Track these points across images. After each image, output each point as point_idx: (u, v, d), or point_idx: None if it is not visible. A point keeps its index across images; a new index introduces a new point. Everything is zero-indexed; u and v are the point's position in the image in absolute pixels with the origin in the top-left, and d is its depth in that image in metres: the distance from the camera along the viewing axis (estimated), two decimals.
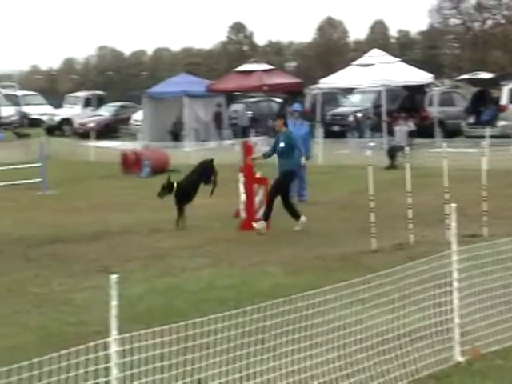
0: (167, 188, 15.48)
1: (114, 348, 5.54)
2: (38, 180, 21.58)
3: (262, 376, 6.14)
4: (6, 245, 13.80)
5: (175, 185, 15.46)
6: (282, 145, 14.69)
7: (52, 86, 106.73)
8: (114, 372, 5.52)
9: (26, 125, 49.37)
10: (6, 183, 21.33)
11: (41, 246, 13.40)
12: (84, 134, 40.62)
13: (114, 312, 5.62)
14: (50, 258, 12.11)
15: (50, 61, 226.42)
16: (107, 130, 42.34)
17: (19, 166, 23.33)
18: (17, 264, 12.17)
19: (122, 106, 46.86)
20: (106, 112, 45.56)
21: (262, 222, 14.35)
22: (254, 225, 14.35)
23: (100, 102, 48.74)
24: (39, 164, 21.95)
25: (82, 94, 51.63)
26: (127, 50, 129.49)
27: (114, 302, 5.64)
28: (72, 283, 10.77)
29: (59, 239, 14.16)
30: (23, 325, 8.77)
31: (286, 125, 15.19)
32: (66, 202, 19.60)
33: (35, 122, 48.74)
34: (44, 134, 36.06)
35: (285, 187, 14.68)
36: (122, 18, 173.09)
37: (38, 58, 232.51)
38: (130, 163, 25.76)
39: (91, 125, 42.61)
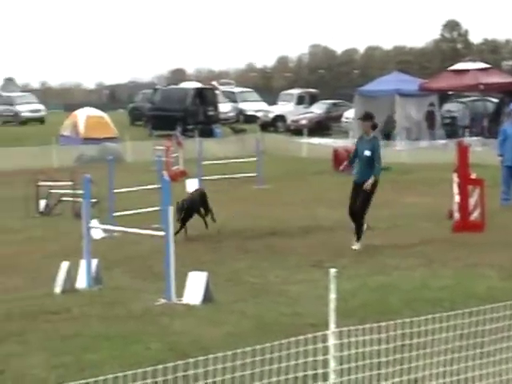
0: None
1: (331, 341, 5.65)
2: (254, 174, 22.26)
3: (481, 381, 6.03)
4: (223, 236, 14.37)
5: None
6: (367, 153, 12.87)
7: (266, 84, 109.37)
8: (332, 364, 5.62)
9: (242, 121, 50.98)
10: (223, 176, 22.27)
11: (257, 238, 13.84)
12: (296, 131, 41.38)
13: (332, 305, 5.71)
14: (266, 250, 12.48)
15: (265, 59, 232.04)
16: (319, 127, 42.84)
17: (236, 161, 24.24)
18: (234, 255, 12.65)
19: (333, 104, 47.22)
20: (318, 109, 46.10)
21: (359, 242, 12.94)
22: (354, 247, 12.92)
23: (312, 99, 49.39)
24: (255, 159, 22.63)
25: (296, 91, 52.55)
26: (339, 48, 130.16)
27: (332, 296, 5.73)
28: (286, 275, 11.05)
29: (274, 232, 14.57)
30: (240, 313, 9.10)
31: (374, 128, 13.30)
32: (280, 196, 20.08)
33: (250, 119, 50.19)
34: (259, 130, 37.04)
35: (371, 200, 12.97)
36: (334, 16, 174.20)
37: (253, 56, 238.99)
38: (342, 160, 25.91)
39: (303, 122, 43.30)
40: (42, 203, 18.22)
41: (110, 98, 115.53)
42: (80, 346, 7.99)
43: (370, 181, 12.67)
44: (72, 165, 27.63)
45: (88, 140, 35.43)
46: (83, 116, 38.32)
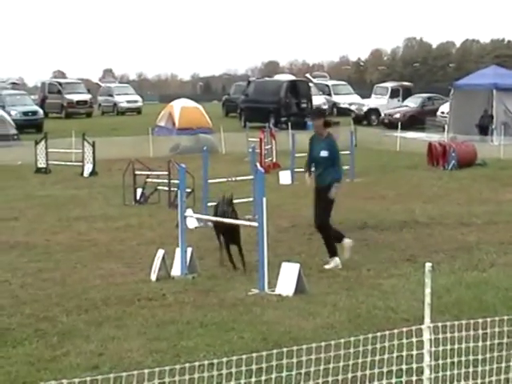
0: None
1: (426, 335, 5.61)
2: (346, 167, 22.15)
3: None
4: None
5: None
6: (323, 153, 11.42)
7: (360, 77, 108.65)
8: (427, 359, 5.58)
9: (335, 114, 50.79)
10: None
11: (349, 231, 13.74)
12: (390, 125, 40.99)
13: (427, 300, 5.67)
14: (359, 244, 12.42)
15: (359, 51, 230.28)
16: (413, 121, 42.32)
17: None
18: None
19: (428, 98, 46.56)
20: (412, 103, 45.53)
21: (334, 258, 11.23)
22: (326, 267, 11.12)
23: (407, 93, 48.82)
24: (347, 152, 22.53)
25: (390, 84, 52.05)
26: (434, 41, 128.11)
27: (427, 290, 5.69)
28: (379, 269, 10.98)
29: (368, 226, 14.50)
30: (332, 305, 9.11)
31: (326, 126, 11.62)
32: (373, 189, 19.95)
33: (344, 112, 49.95)
34: (352, 123, 36.83)
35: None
36: (430, 9, 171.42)
37: (347, 49, 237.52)
38: (436, 155, 25.57)
39: (397, 115, 42.85)
40: (139, 192, 18.59)
41: (204, 90, 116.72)
42: (175, 333, 8.15)
43: (334, 190, 11.19)
44: (167, 155, 28.07)
45: (183, 131, 35.95)
46: (178, 107, 38.85)
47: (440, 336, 5.78)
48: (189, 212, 12.60)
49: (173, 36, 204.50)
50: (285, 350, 5.34)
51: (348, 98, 52.26)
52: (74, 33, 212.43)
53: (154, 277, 10.66)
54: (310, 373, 5.49)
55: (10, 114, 42.07)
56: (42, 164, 26.99)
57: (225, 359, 5.12)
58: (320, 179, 11.38)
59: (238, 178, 16.44)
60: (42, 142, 27.39)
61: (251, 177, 16.28)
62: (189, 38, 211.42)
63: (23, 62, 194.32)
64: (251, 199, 14.85)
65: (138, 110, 60.40)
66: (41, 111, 47.96)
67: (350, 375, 5.58)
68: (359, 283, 10.22)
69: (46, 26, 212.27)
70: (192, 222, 14.29)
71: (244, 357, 5.15)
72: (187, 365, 5.00)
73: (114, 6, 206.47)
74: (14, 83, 66.50)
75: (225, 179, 16.19)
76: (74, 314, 9.00)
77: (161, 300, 9.55)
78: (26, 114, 45.77)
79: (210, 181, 15.45)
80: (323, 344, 5.43)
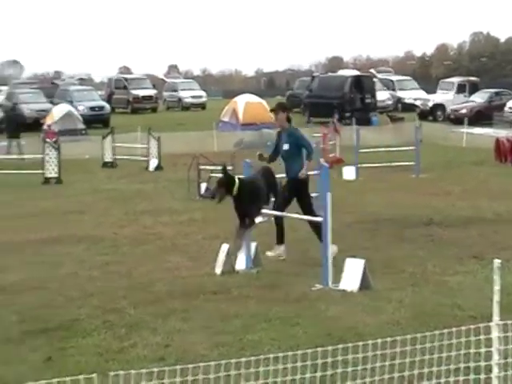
0: (224, 185, 10.51)
1: (495, 333, 5.53)
2: (412, 163, 21.99)
3: None
4: (380, 223, 14.29)
5: (237, 182, 10.50)
6: (285, 147, 11.60)
7: (425, 72, 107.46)
8: (496, 358, 5.51)
9: (400, 109, 50.33)
10: (380, 165, 22.15)
11: (414, 227, 13.66)
12: (456, 120, 40.45)
13: (496, 297, 5.59)
14: (423, 240, 12.30)
15: (424, 46, 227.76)
16: (480, 117, 41.68)
17: (394, 149, 24.03)
18: (391, 242, 12.55)
19: (496, 93, 45.78)
20: (479, 98, 44.82)
21: (278, 247, 11.62)
22: (268, 253, 11.53)
23: (473, 88, 48.09)
24: (413, 147, 22.34)
25: (456, 79, 51.30)
26: (502, 35, 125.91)
27: (496, 287, 5.62)
28: (445, 266, 10.86)
29: (434, 222, 14.34)
30: (398, 302, 9.04)
31: (289, 120, 11.70)
32: (438, 185, 19.73)
33: (408, 107, 49.45)
34: (417, 119, 36.45)
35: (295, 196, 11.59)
36: (496, 2, 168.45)
37: (411, 44, 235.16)
38: (504, 151, 25.15)
39: (464, 111, 42.25)
40: (203, 186, 18.72)
41: (267, 85, 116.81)
42: (240, 327, 8.19)
43: (305, 167, 11.44)
44: (231, 149, 28.20)
45: (247, 126, 36.05)
46: (242, 102, 38.97)
47: (509, 334, 5.70)
48: None
49: (237, 32, 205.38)
50: (350, 345, 5.33)
51: (413, 94, 51.67)
52: (140, 29, 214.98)
53: (218, 271, 10.73)
54: (375, 368, 5.46)
55: (77, 109, 42.81)
56: (108, 158, 27.42)
57: (290, 353, 5.13)
58: (290, 173, 11.57)
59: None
60: (109, 137, 27.81)
61: (315, 172, 16.27)
62: (253, 34, 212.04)
63: (90, 58, 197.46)
64: (315, 194, 14.80)
65: (202, 106, 60.75)
66: (107, 106, 48.65)
67: (416, 371, 5.54)
68: (425, 280, 10.12)
69: (112, 23, 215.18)
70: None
71: (309, 351, 5.15)
72: (253, 358, 5.03)
73: (179, 2, 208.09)
74: (81, 79, 67.64)
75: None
76: (140, 306, 9.12)
77: (225, 294, 9.61)
78: (93, 109, 46.48)
79: None
80: (389, 340, 5.40)
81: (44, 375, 6.40)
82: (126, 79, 60.13)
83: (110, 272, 10.98)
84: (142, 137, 28.66)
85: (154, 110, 57.72)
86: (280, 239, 11.69)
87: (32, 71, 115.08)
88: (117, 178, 23.38)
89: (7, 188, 21.97)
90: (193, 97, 61.60)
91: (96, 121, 44.92)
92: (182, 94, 61.65)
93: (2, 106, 41.45)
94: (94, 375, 4.54)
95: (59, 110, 39.26)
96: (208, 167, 19.05)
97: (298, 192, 11.53)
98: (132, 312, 8.89)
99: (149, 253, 12.25)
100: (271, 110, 12.20)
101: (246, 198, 10.37)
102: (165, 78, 72.67)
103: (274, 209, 11.50)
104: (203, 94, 63.47)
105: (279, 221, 11.70)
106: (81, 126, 39.33)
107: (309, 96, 46.64)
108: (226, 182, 10.34)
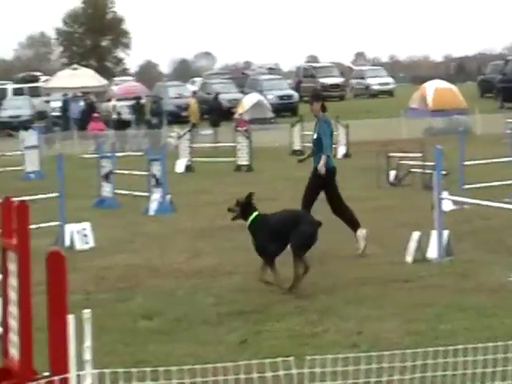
0: (241, 207, 9.69)
1: None
2: None
3: None
4: None
5: (254, 215, 9.57)
6: (314, 136, 11.75)
7: None
8: None
9: None
10: None
11: None
12: None
13: None
14: None
15: None
16: None
17: None
18: None
19: None
20: None
21: (360, 231, 11.34)
22: (361, 244, 11.33)
23: None
24: None
25: None
26: None
27: None
28: None
29: None
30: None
31: (324, 110, 11.78)
32: None
33: None
34: None
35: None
36: None
37: None
38: None
39: None
40: (392, 174, 18.54)
41: (457, 70, 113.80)
42: (433, 315, 8.06)
43: (322, 161, 11.30)
44: (420, 137, 27.74)
45: (436, 112, 35.34)
46: (432, 88, 38.24)
47: None
48: (444, 194, 12.38)
49: (426, 17, 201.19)
50: None
51: None
52: (327, 17, 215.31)
53: (409, 259, 10.62)
54: None
55: (266, 98, 43.59)
56: (297, 146, 27.72)
57: (490, 344, 4.98)
58: (316, 163, 11.57)
59: (495, 161, 15.92)
60: (298, 125, 28.12)
61: (509, 159, 15.70)
62: (442, 18, 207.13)
63: (278, 47, 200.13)
64: (509, 182, 14.34)
65: (389, 92, 60.10)
66: (296, 95, 49.17)
67: None
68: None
69: (299, 12, 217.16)
70: (448, 205, 14.02)
71: (510, 342, 4.98)
72: (451, 348, 4.92)
73: None
74: (270, 68, 68.77)
75: (481, 161, 15.73)
76: (330, 292, 9.18)
77: (417, 282, 9.49)
78: (281, 97, 47.17)
79: (465, 163, 15.07)
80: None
81: (240, 357, 6.58)
82: (313, 67, 60.56)
83: None
84: None
85: (342, 97, 57.73)
86: (353, 226, 11.42)
87: (223, 62, 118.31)
88: (305, 166, 23.59)
89: (204, 175, 22.84)
90: (380, 84, 61.07)
91: (285, 109, 45.56)
92: (369, 81, 61.28)
93: (201, 97, 42.88)
94: (291, 358, 4.62)
95: (250, 100, 40.18)
96: (397, 154, 18.84)
97: (324, 184, 11.48)
98: (323, 298, 8.97)
99: (338, 238, 12.21)
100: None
101: (255, 235, 9.56)
102: (352, 66, 72.51)
103: (303, 205, 11.39)
104: (391, 80, 62.76)
105: (339, 213, 11.52)
106: (270, 114, 40.06)
107: (502, 80, 45.00)
108: (244, 207, 9.62)
